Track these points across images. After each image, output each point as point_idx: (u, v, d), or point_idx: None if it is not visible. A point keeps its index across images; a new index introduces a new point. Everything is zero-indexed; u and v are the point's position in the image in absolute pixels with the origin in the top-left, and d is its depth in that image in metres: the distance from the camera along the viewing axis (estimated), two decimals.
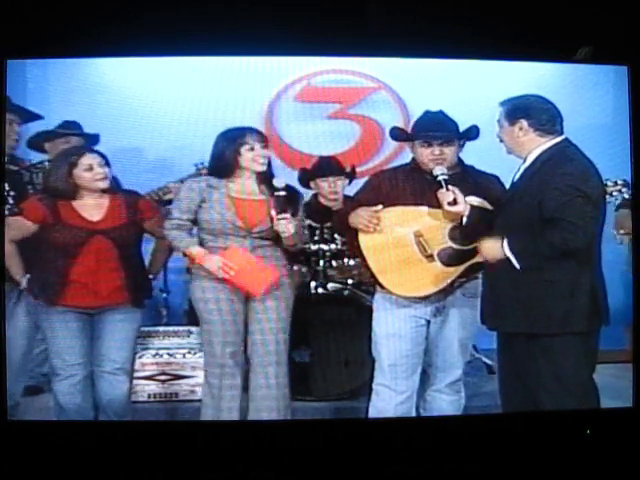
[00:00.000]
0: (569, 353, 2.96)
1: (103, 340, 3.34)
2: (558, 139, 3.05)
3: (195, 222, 3.35)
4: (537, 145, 3.04)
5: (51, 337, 3.30)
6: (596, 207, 2.95)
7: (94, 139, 3.75)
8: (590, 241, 2.95)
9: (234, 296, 3.33)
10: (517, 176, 3.11)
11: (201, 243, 3.34)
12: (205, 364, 3.41)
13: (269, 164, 3.38)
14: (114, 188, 3.39)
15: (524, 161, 3.08)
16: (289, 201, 3.36)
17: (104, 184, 3.33)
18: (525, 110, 3.05)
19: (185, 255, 3.38)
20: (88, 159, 3.30)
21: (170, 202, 3.87)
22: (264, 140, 3.38)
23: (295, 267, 3.75)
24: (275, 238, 3.36)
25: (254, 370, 3.38)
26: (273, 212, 3.31)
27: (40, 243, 3.30)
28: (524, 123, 3.04)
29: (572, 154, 3.01)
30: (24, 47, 3.48)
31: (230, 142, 3.33)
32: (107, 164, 3.35)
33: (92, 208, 3.33)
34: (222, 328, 3.31)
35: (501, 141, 3.14)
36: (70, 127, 3.78)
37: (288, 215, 3.30)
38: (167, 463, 3.29)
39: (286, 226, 3.29)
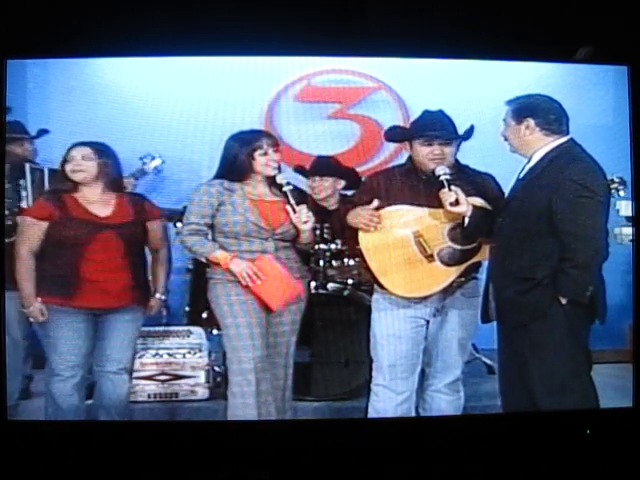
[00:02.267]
0: (555, 348, 2.98)
1: (109, 341, 3.33)
2: (564, 139, 3.06)
3: (211, 226, 3.33)
4: (543, 144, 3.05)
5: (56, 338, 3.27)
6: (605, 206, 2.99)
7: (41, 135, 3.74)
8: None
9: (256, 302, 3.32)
10: (521, 175, 3.12)
11: (222, 248, 3.30)
12: (232, 373, 3.29)
13: (279, 168, 3.38)
14: (116, 184, 3.37)
15: (529, 160, 3.09)
16: (300, 195, 3.39)
17: (78, 177, 3.29)
18: (532, 109, 3.06)
19: (208, 261, 3.32)
20: (74, 151, 3.30)
21: None
22: (276, 144, 3.37)
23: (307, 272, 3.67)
24: (294, 239, 3.36)
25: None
26: (289, 206, 3.31)
27: (52, 242, 3.28)
28: (531, 122, 3.05)
29: (578, 154, 3.03)
30: (24, 47, 3.48)
31: (244, 146, 3.31)
32: (100, 157, 3.31)
33: (98, 203, 3.32)
34: (249, 331, 3.27)
35: (505, 140, 3.14)
36: (15, 130, 3.72)
37: (305, 205, 3.32)
38: (167, 463, 3.29)
39: (307, 214, 3.29)
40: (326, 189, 3.99)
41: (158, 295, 3.46)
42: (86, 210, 3.29)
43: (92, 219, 3.28)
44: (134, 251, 3.35)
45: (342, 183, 4.01)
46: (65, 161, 3.29)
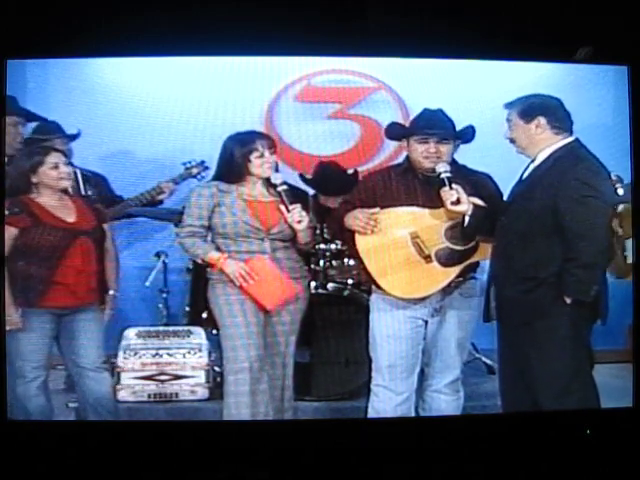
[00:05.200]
0: (558, 347, 2.98)
1: (79, 339, 3.34)
2: (570, 139, 3.07)
3: (208, 228, 3.33)
4: (550, 144, 3.05)
5: (21, 339, 3.28)
6: (610, 206, 3.01)
7: (74, 138, 3.74)
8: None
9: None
10: (525, 174, 3.12)
11: (218, 249, 3.31)
12: (228, 372, 3.30)
13: (276, 169, 3.38)
14: (74, 189, 3.45)
15: (533, 160, 3.09)
16: (295, 194, 3.37)
17: (67, 183, 3.36)
18: (543, 108, 3.07)
19: (204, 262, 3.33)
20: (54, 157, 3.32)
21: (162, 202, 3.90)
22: (273, 146, 3.36)
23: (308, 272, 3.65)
24: (291, 239, 3.36)
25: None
26: (283, 206, 3.30)
27: (22, 249, 3.29)
28: (542, 120, 3.05)
29: (584, 154, 3.04)
30: (24, 47, 3.48)
31: (240, 148, 3.30)
32: (70, 164, 3.40)
33: (61, 208, 3.34)
34: (246, 330, 3.27)
35: (512, 142, 3.13)
36: (50, 129, 3.72)
37: (299, 205, 3.31)
38: (167, 463, 3.29)
39: (300, 214, 3.28)
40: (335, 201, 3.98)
41: (112, 292, 3.45)
42: (53, 216, 3.32)
43: (62, 225, 3.31)
44: (101, 254, 3.40)
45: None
46: (40, 165, 3.30)
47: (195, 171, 3.97)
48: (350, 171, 4.10)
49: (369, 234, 3.22)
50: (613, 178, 3.45)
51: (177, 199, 3.94)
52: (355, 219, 3.22)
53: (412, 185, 3.24)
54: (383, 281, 3.23)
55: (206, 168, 3.95)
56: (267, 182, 3.37)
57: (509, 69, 3.90)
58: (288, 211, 3.29)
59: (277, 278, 3.29)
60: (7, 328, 3.27)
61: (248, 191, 3.35)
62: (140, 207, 3.92)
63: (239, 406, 3.27)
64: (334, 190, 3.99)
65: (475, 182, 3.24)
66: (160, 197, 3.91)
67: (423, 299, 3.24)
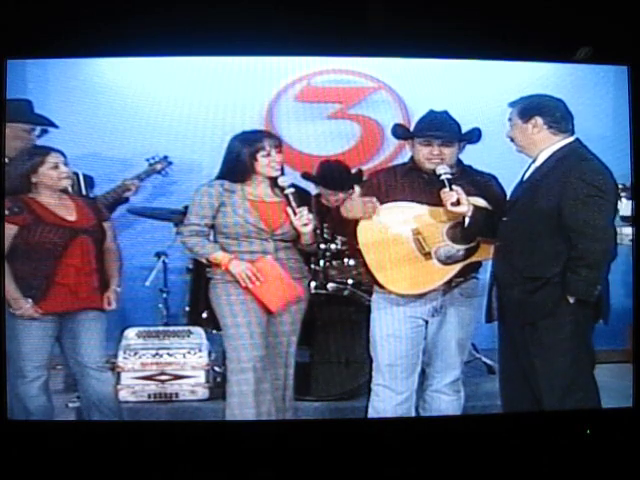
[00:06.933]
0: (562, 347, 2.98)
1: (81, 339, 3.35)
2: (570, 139, 3.07)
3: (212, 227, 3.33)
4: (550, 144, 3.06)
5: (21, 340, 3.28)
6: (614, 206, 3.01)
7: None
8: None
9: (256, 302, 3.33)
10: (527, 175, 3.12)
11: (223, 248, 3.31)
12: (231, 372, 3.31)
13: (282, 169, 3.38)
14: (73, 188, 3.46)
15: (534, 160, 3.09)
16: (302, 197, 3.38)
17: (67, 182, 3.38)
18: (540, 107, 3.07)
19: (209, 261, 3.33)
20: (54, 157, 3.34)
21: (127, 200, 3.88)
22: (279, 145, 3.36)
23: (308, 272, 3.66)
24: (295, 239, 3.36)
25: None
26: (290, 209, 3.30)
27: (22, 246, 3.29)
28: (539, 120, 3.06)
29: (586, 154, 3.04)
30: (24, 47, 3.48)
31: (246, 147, 3.30)
32: (67, 163, 3.40)
33: (61, 207, 3.35)
34: (248, 330, 3.28)
35: (512, 140, 3.14)
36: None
37: (306, 208, 3.31)
38: (167, 463, 3.29)
39: (307, 217, 3.29)
40: (338, 199, 3.98)
41: (114, 287, 3.45)
42: (54, 214, 3.33)
43: (63, 224, 3.32)
44: (101, 253, 3.41)
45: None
46: (40, 165, 3.31)
47: (159, 167, 3.98)
48: (354, 169, 4.10)
49: (368, 219, 3.21)
50: (619, 186, 3.47)
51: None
52: (352, 208, 3.23)
53: (416, 184, 3.26)
54: (381, 275, 3.24)
55: (170, 163, 4.00)
56: (272, 182, 3.37)
57: (509, 69, 3.91)
58: (295, 214, 3.30)
59: (281, 280, 3.29)
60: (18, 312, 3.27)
61: (252, 191, 3.35)
62: (109, 205, 3.86)
63: (242, 406, 3.27)
64: (338, 187, 3.99)
65: (479, 183, 3.25)
66: (126, 195, 3.90)
67: (421, 297, 3.24)
